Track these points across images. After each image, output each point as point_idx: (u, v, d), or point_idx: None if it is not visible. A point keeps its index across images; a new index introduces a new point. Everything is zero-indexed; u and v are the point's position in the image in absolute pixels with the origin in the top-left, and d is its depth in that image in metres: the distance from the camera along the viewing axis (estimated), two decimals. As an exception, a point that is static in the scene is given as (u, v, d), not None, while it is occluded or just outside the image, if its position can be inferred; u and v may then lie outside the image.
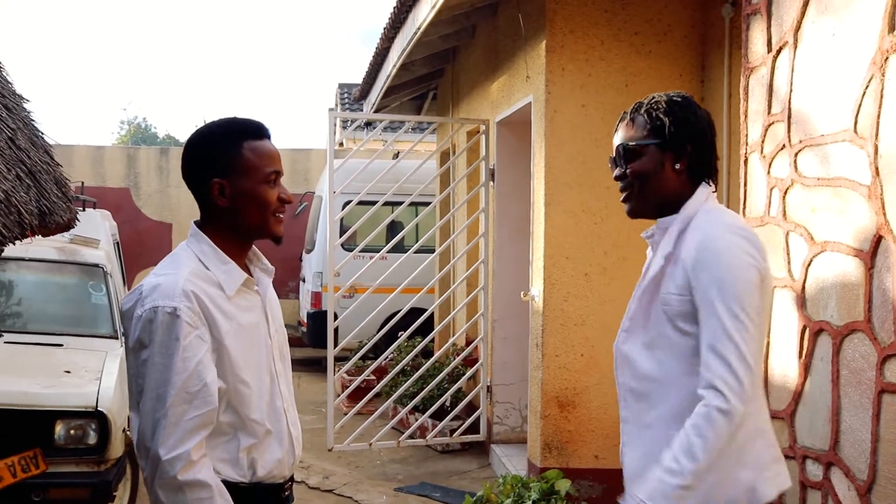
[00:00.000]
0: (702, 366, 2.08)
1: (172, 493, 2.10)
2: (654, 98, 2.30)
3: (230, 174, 2.23)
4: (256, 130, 2.29)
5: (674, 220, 2.26)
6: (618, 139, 2.34)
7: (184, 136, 37.15)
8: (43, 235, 3.95)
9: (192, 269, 2.20)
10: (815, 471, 3.20)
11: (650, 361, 2.22)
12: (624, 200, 2.34)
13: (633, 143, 2.27)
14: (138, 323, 2.12)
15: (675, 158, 2.25)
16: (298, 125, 64.63)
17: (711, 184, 2.30)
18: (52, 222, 3.46)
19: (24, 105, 4.04)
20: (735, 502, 2.17)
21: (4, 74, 4.13)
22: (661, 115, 2.25)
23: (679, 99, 2.29)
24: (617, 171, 2.33)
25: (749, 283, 2.09)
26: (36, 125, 4.06)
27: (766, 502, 2.20)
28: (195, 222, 2.33)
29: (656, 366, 2.21)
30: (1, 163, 2.98)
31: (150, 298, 2.13)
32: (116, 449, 5.00)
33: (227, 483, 2.22)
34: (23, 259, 6.44)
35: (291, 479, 2.45)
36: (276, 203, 2.28)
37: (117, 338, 6.13)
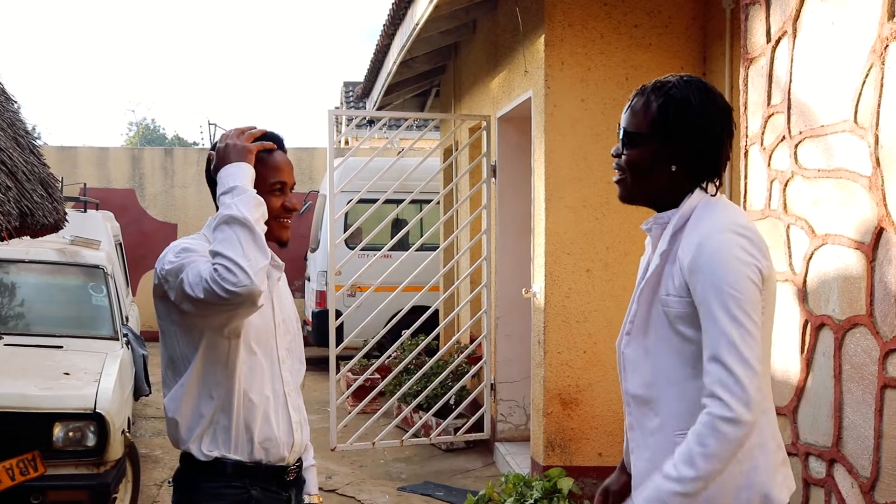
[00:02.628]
0: (704, 372, 1.98)
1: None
2: (672, 87, 2.11)
3: None
4: (268, 142, 2.42)
5: (673, 214, 2.13)
6: (624, 119, 2.19)
7: (192, 137, 37.25)
8: (31, 237, 3.91)
9: (205, 248, 2.34)
10: (818, 468, 3.14)
11: (652, 366, 2.13)
12: (616, 182, 2.21)
13: (633, 132, 2.14)
14: (167, 256, 2.29)
15: (675, 158, 2.11)
16: (305, 124, 64.67)
17: (714, 185, 2.16)
18: (35, 223, 3.42)
19: (13, 106, 4.01)
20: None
21: (-9, 75, 4.10)
22: (671, 110, 2.09)
23: (696, 97, 2.10)
24: (614, 150, 2.21)
25: (748, 283, 1.98)
26: (23, 126, 4.03)
27: None
28: (212, 218, 2.44)
29: (659, 371, 2.12)
30: (-26, 163, 2.96)
31: (175, 245, 2.32)
32: (115, 451, 4.97)
33: (228, 460, 2.36)
34: (23, 261, 6.43)
35: (298, 464, 2.54)
36: (279, 210, 2.42)
37: (117, 339, 6.12)
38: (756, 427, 1.99)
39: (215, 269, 2.17)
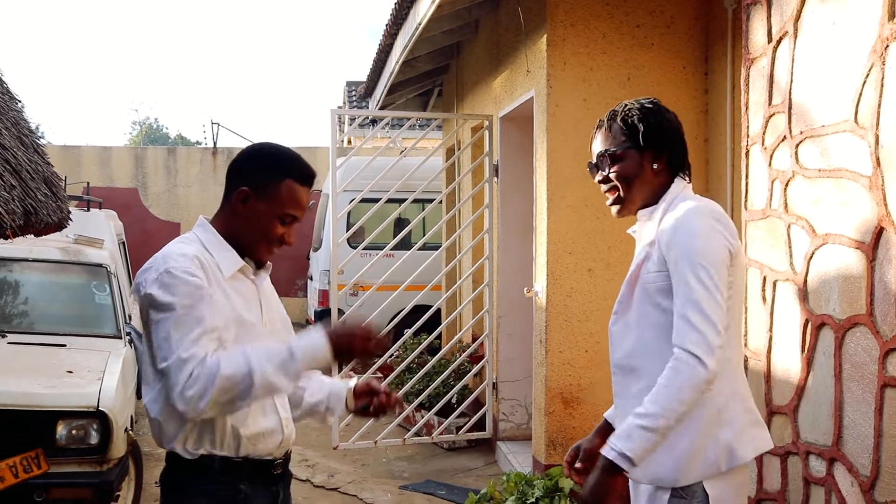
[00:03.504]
0: (674, 330, 2.24)
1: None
2: (626, 106, 2.48)
3: (259, 193, 2.41)
4: (303, 176, 2.46)
5: (654, 209, 2.45)
6: (597, 146, 2.52)
7: (195, 137, 37.25)
8: (34, 235, 3.92)
9: (197, 249, 2.38)
10: (818, 466, 3.15)
11: (634, 338, 2.41)
12: (612, 203, 2.51)
13: (615, 149, 2.45)
14: (155, 283, 2.27)
15: (653, 159, 2.44)
16: (308, 123, 64.67)
17: (686, 177, 2.49)
18: (39, 222, 3.43)
19: (17, 105, 4.02)
20: (714, 463, 2.29)
21: (-3, 75, 4.12)
22: (636, 122, 2.44)
23: (650, 105, 2.47)
24: (599, 176, 2.51)
25: (718, 257, 2.25)
26: (27, 125, 4.04)
27: (742, 463, 2.32)
28: (203, 217, 2.51)
29: (640, 342, 2.39)
30: (-21, 162, 2.97)
31: (164, 263, 2.30)
32: (118, 449, 4.98)
33: (215, 456, 2.36)
34: (27, 259, 6.44)
35: (284, 458, 2.56)
36: (276, 239, 2.45)
37: (121, 338, 6.13)
38: (722, 387, 2.27)
39: (189, 389, 2.19)
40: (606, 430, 2.67)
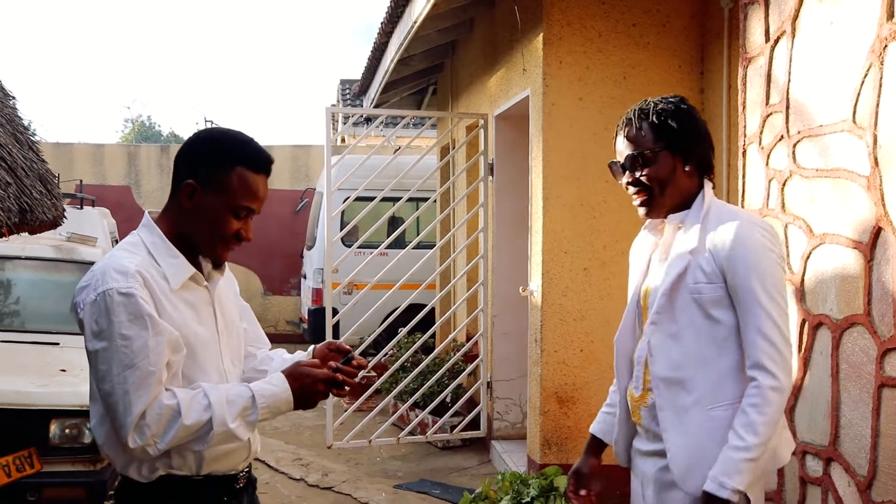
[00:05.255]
0: (748, 346, 2.26)
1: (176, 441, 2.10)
2: (658, 105, 2.42)
3: (207, 185, 2.18)
4: (256, 163, 2.21)
5: (686, 216, 2.41)
6: (625, 146, 2.44)
7: (187, 134, 37.15)
8: (29, 233, 3.90)
9: (141, 260, 2.14)
10: (814, 466, 3.15)
11: (681, 349, 2.36)
12: (641, 204, 2.46)
13: (647, 150, 2.40)
14: (93, 307, 2.05)
15: (685, 161, 2.40)
16: (301, 121, 64.56)
17: (712, 181, 2.46)
18: (34, 220, 3.41)
19: (11, 102, 4.00)
20: (763, 467, 2.33)
21: (-9, 71, 4.09)
22: (671, 122, 2.38)
23: (684, 105, 2.43)
24: (628, 177, 2.44)
25: (779, 270, 2.30)
26: (21, 122, 4.02)
27: (783, 465, 2.42)
28: (149, 213, 2.29)
29: (688, 353, 2.35)
30: (-25, 159, 2.95)
31: (102, 282, 2.06)
32: (112, 448, 4.95)
33: (175, 477, 2.17)
34: (19, 257, 6.42)
35: (247, 470, 2.38)
36: (230, 234, 2.22)
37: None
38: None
39: (144, 430, 2.03)
40: (597, 447, 2.73)
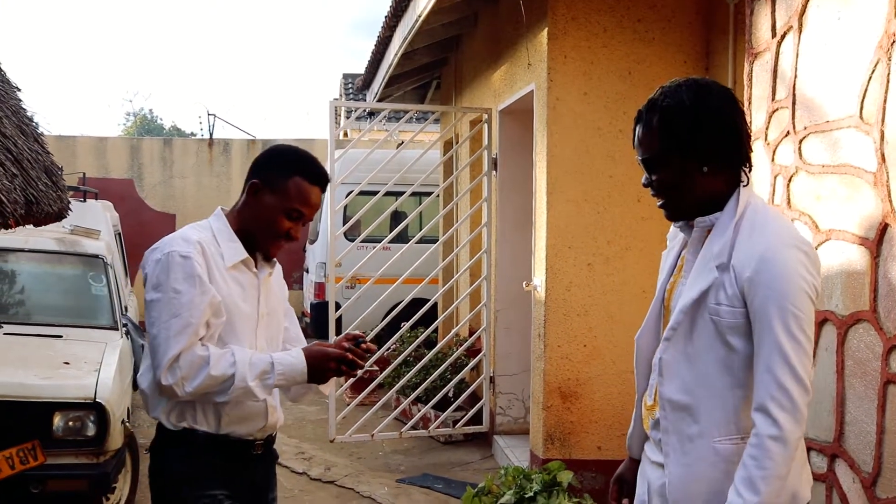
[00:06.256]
0: (756, 384, 2.03)
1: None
2: (665, 99, 2.13)
3: (269, 186, 2.57)
4: (312, 175, 2.59)
5: (716, 219, 2.14)
6: (637, 146, 2.21)
7: (189, 128, 37.19)
8: (35, 225, 3.90)
9: (205, 236, 2.55)
10: (819, 462, 3.15)
11: (693, 373, 2.14)
12: (661, 207, 2.23)
13: (652, 156, 2.15)
14: (156, 265, 2.45)
15: (701, 162, 2.11)
16: (304, 116, 64.47)
17: (746, 174, 2.16)
18: (40, 212, 3.41)
19: (17, 94, 4.00)
20: None
21: (-4, 64, 4.08)
22: (678, 122, 2.10)
23: (691, 97, 2.10)
24: (644, 179, 2.22)
25: (808, 302, 2.02)
26: (26, 114, 4.01)
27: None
28: (221, 208, 2.68)
29: (700, 378, 2.13)
30: (-19, 151, 2.94)
31: (168, 246, 2.47)
32: (115, 441, 4.97)
33: (196, 431, 2.52)
34: (23, 250, 6.42)
35: (267, 440, 2.70)
36: (282, 231, 2.59)
37: (117, 329, 6.10)
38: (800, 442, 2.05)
39: (175, 371, 2.40)
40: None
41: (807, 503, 2.15)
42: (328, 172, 2.69)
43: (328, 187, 6.75)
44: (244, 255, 2.59)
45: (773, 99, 3.48)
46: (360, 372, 2.62)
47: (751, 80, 3.66)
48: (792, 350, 1.98)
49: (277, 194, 2.57)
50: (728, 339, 2.08)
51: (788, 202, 3.34)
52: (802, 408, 1.99)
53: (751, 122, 3.64)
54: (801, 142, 3.28)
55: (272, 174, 2.58)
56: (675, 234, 2.37)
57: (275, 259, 2.73)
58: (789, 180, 3.35)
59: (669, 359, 2.18)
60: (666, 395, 2.19)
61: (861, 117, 2.93)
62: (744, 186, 2.15)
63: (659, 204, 2.22)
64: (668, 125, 2.11)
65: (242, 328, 2.56)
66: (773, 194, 3.45)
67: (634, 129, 2.21)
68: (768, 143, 3.50)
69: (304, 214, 2.60)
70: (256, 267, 2.65)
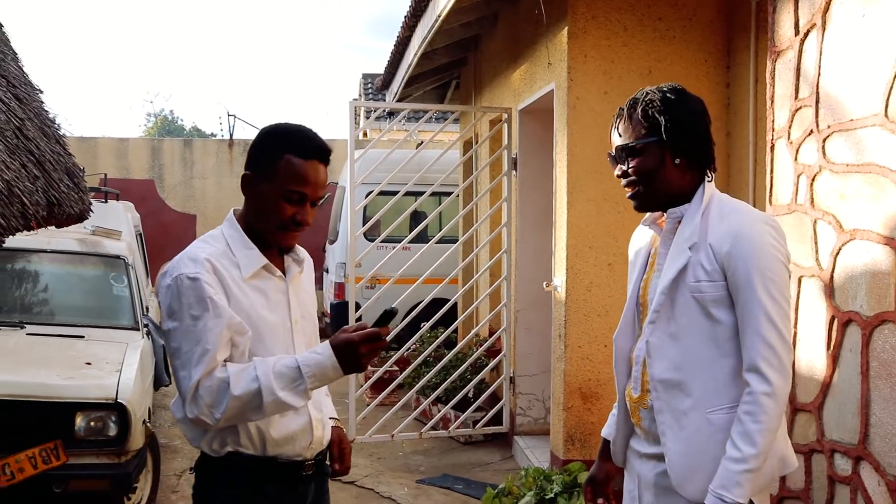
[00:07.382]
0: (745, 348, 2.19)
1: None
2: (647, 95, 2.34)
3: (260, 173, 2.34)
4: (303, 149, 2.33)
5: (685, 210, 2.33)
6: (616, 138, 2.39)
7: (210, 128, 37.39)
8: (56, 226, 3.92)
9: (216, 250, 2.34)
10: (843, 465, 3.11)
11: (680, 350, 2.29)
12: (631, 197, 2.40)
13: (633, 143, 2.33)
14: (168, 291, 2.27)
15: (675, 154, 2.31)
16: (324, 116, 64.63)
17: (711, 174, 2.37)
18: (62, 213, 3.43)
19: (39, 96, 4.02)
20: (770, 475, 2.28)
21: (20, 65, 4.11)
22: (657, 114, 2.29)
23: (672, 95, 2.33)
24: (618, 170, 2.39)
25: (782, 268, 2.21)
26: (49, 116, 4.03)
27: (792, 470, 2.35)
28: (234, 210, 2.46)
29: (688, 354, 2.28)
30: (5, 152, 2.95)
31: (176, 269, 2.28)
32: (137, 441, 4.99)
33: (242, 455, 2.34)
34: (44, 251, 6.46)
35: (317, 460, 2.49)
36: (286, 220, 2.35)
37: (138, 329, 6.13)
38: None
39: (199, 400, 2.22)
40: (609, 451, 2.62)
41: (793, 469, 2.34)
42: (327, 145, 2.40)
43: (348, 188, 6.78)
44: (263, 261, 2.37)
45: (795, 97, 3.44)
46: (388, 338, 2.29)
47: (773, 78, 3.62)
48: (775, 312, 2.17)
49: (271, 180, 2.32)
50: (712, 311, 2.24)
51: (812, 202, 3.31)
52: (788, 365, 2.18)
53: (773, 121, 3.61)
54: (824, 140, 3.24)
55: (261, 160, 2.35)
56: (638, 240, 2.59)
57: (302, 252, 2.51)
58: (813, 179, 3.31)
59: (656, 341, 2.33)
60: (657, 377, 2.33)
61: (886, 115, 2.89)
62: (708, 182, 2.34)
63: (630, 194, 2.39)
64: (649, 116, 2.30)
65: (273, 340, 2.35)
66: (797, 194, 3.42)
67: (613, 125, 2.41)
68: (791, 142, 3.46)
69: (306, 195, 2.33)
70: (284, 268, 2.45)
